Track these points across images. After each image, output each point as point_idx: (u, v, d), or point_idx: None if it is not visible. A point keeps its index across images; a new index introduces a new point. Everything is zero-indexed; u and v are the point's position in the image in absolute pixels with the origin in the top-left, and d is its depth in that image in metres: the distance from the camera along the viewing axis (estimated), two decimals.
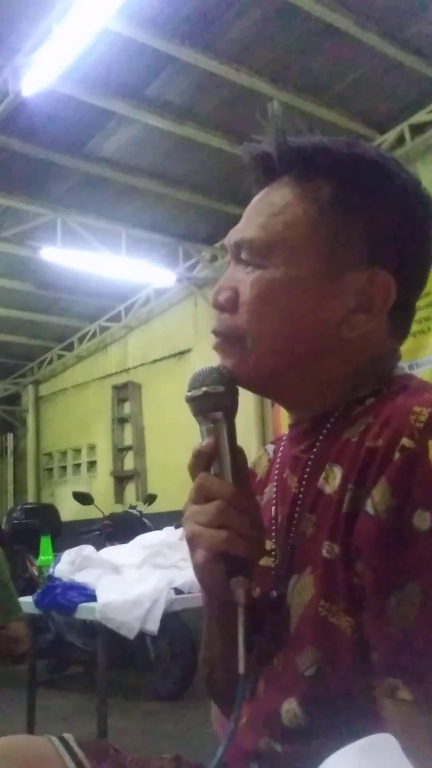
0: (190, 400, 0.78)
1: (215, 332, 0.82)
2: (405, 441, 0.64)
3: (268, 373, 0.78)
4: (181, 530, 3.16)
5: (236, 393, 0.79)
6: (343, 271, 0.76)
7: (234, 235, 0.82)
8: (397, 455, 0.63)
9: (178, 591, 2.75)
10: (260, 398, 8.41)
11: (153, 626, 2.63)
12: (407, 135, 5.81)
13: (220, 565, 0.73)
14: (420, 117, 5.73)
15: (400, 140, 5.88)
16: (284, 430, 0.88)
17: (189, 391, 0.78)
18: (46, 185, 6.38)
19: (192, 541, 0.75)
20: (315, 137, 0.79)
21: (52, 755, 0.87)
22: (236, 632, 0.72)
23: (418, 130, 5.81)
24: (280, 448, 0.89)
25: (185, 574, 2.82)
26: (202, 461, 0.76)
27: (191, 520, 0.75)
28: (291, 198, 0.78)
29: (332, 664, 0.67)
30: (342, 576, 0.67)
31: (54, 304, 8.94)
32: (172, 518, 3.72)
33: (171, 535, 3.16)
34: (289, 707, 0.70)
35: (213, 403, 0.77)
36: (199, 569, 0.76)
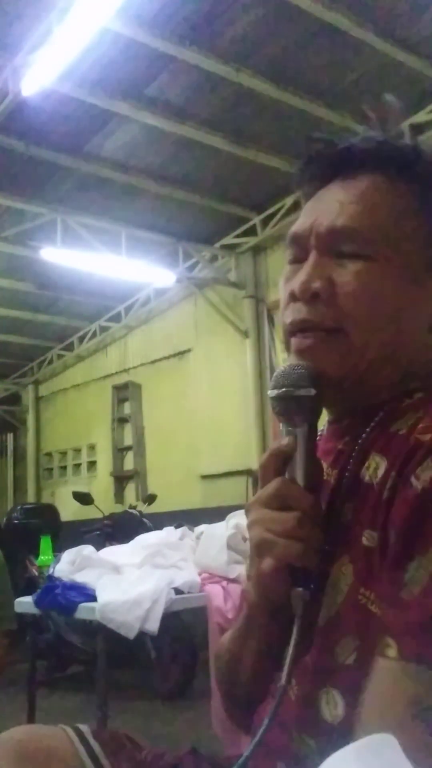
0: (277, 399, 0.75)
1: (306, 321, 0.76)
2: None
3: (366, 368, 0.75)
4: (180, 530, 3.15)
5: (323, 398, 0.76)
6: None
7: (323, 221, 0.77)
8: None
9: (178, 591, 2.74)
10: (260, 400, 8.31)
11: (153, 626, 2.62)
12: (407, 135, 5.80)
13: (285, 576, 0.72)
14: (420, 117, 5.73)
15: None
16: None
17: (277, 389, 0.75)
18: (46, 185, 6.39)
19: (261, 548, 0.73)
20: (408, 139, 0.83)
21: (66, 746, 0.86)
22: (286, 643, 0.71)
23: (418, 130, 5.81)
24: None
25: (185, 574, 2.82)
26: (279, 462, 0.74)
27: (263, 527, 0.72)
28: (391, 192, 0.78)
29: (371, 651, 0.67)
30: (380, 562, 0.67)
31: (54, 304, 8.94)
32: (172, 518, 3.71)
33: (171, 535, 3.15)
34: (329, 698, 0.70)
35: (300, 405, 0.74)
36: (263, 577, 0.74)
